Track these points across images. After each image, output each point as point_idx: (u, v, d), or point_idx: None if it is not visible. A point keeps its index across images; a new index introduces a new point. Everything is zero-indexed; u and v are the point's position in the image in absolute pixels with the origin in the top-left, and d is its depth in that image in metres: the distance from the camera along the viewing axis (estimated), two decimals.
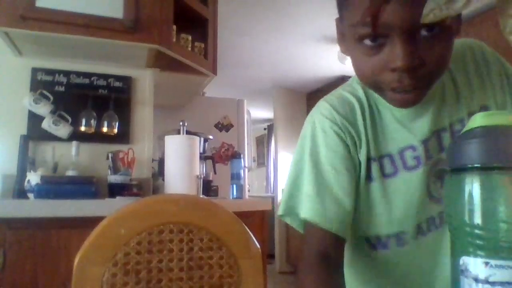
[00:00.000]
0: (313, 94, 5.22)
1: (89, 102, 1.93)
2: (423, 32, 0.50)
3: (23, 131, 1.83)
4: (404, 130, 0.63)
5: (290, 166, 0.67)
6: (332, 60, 3.92)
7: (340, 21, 0.60)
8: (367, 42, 0.51)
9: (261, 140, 7.60)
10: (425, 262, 0.65)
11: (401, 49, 0.49)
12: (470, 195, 0.39)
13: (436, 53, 0.51)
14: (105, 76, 2.00)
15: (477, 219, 0.38)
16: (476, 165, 0.39)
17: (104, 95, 1.98)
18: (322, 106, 0.65)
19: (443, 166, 0.62)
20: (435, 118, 0.63)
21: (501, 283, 0.36)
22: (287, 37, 3.52)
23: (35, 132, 1.84)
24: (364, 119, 0.63)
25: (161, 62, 2.03)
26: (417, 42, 0.50)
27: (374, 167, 0.62)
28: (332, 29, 3.31)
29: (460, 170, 0.40)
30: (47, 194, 1.53)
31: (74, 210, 1.29)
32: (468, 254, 0.39)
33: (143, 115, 2.09)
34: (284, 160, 5.14)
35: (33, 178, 1.67)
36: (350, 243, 0.69)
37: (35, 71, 1.90)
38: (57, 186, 1.61)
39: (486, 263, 0.37)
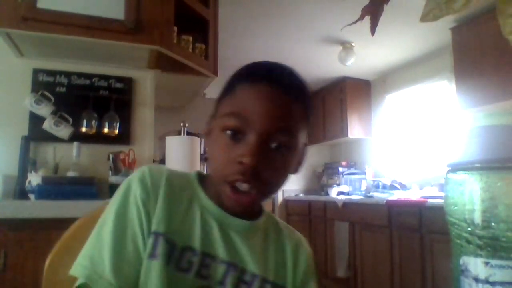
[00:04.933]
0: (314, 95, 5.21)
1: (90, 103, 1.93)
2: (273, 144, 0.58)
3: (24, 132, 1.83)
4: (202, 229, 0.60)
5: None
6: (332, 61, 3.91)
7: (212, 117, 0.66)
8: (229, 133, 0.58)
9: None
10: None
11: (254, 146, 0.56)
12: (470, 195, 0.39)
13: (277, 165, 0.59)
14: (106, 77, 2.01)
15: (477, 219, 0.38)
16: (476, 165, 0.39)
17: (105, 96, 1.98)
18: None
19: None
20: (244, 250, 0.62)
21: (501, 283, 0.36)
22: (288, 38, 3.52)
23: (36, 133, 1.84)
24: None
25: (162, 63, 2.04)
26: (267, 149, 0.57)
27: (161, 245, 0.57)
28: (332, 30, 3.31)
29: (460, 169, 0.40)
30: (48, 195, 1.54)
31: (75, 211, 1.29)
32: (468, 254, 0.39)
33: (144, 116, 2.09)
34: None
35: (34, 179, 1.67)
36: None
37: (36, 72, 1.90)
38: (58, 187, 1.61)
39: (486, 263, 0.37)
